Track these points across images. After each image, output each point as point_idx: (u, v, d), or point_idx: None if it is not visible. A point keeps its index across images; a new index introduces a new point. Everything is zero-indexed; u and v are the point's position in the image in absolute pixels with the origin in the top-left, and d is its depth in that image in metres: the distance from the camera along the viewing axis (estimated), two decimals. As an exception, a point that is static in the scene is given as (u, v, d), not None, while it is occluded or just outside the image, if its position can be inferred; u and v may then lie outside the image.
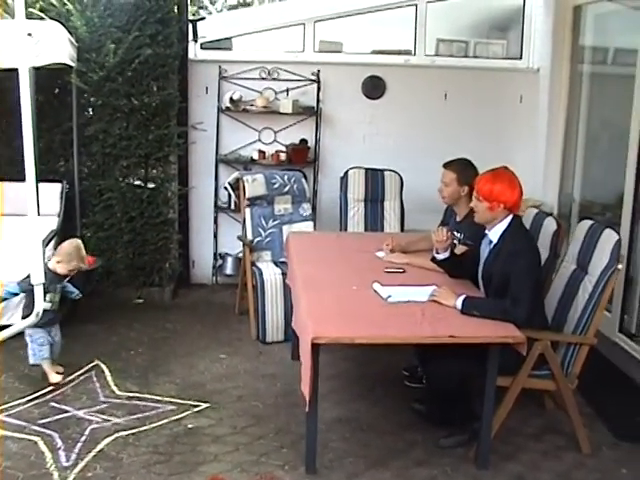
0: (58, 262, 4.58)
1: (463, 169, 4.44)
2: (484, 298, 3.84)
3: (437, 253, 4.14)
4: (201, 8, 12.53)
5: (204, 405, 4.34)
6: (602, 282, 3.70)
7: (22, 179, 4.78)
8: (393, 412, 4.31)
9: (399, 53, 6.82)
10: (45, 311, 4.18)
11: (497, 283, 3.76)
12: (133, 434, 3.96)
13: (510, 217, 3.80)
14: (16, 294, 4.45)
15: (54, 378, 4.54)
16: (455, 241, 4.53)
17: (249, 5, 13.10)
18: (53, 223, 5.60)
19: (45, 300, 4.31)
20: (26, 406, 4.25)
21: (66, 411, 4.22)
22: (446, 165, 4.57)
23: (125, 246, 6.05)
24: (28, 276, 3.98)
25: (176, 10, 6.02)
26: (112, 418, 4.13)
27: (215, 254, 6.77)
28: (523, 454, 3.89)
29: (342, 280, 4.13)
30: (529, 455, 3.88)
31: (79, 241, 4.79)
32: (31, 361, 4.58)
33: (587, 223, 4.04)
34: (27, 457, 3.71)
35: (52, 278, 4.49)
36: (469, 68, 6.69)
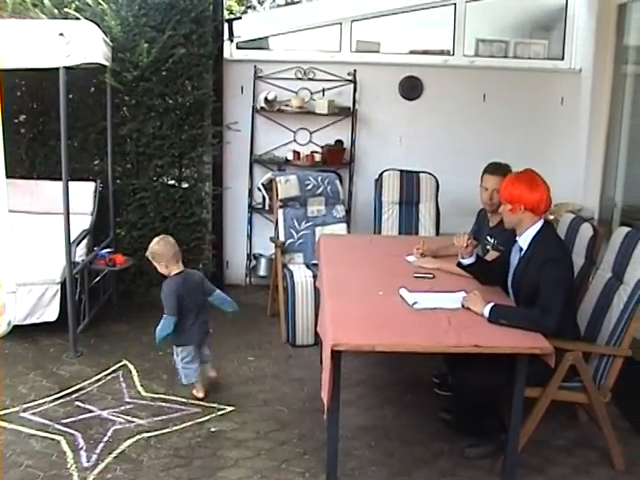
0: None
1: (508, 174, 4.27)
2: (513, 306, 3.72)
3: (462, 258, 4.04)
4: (249, 8, 12.50)
5: (229, 408, 4.30)
6: (638, 292, 3.57)
7: (57, 178, 4.91)
8: (420, 421, 4.22)
9: (437, 53, 6.71)
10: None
11: (527, 291, 3.65)
12: (155, 436, 3.94)
13: (540, 223, 3.68)
14: (169, 334, 4.39)
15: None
16: (488, 247, 4.43)
17: (296, 4, 13.02)
18: (86, 222, 5.63)
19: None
20: (52, 405, 4.26)
21: (91, 411, 4.22)
22: (493, 172, 4.41)
23: (158, 246, 6.03)
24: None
25: (211, 9, 5.98)
26: (136, 419, 4.12)
27: (249, 255, 6.72)
28: (553, 468, 3.75)
29: (369, 285, 4.04)
30: (559, 469, 3.75)
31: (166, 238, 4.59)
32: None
33: (624, 230, 3.89)
34: (49, 456, 3.71)
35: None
36: (509, 69, 6.55)
